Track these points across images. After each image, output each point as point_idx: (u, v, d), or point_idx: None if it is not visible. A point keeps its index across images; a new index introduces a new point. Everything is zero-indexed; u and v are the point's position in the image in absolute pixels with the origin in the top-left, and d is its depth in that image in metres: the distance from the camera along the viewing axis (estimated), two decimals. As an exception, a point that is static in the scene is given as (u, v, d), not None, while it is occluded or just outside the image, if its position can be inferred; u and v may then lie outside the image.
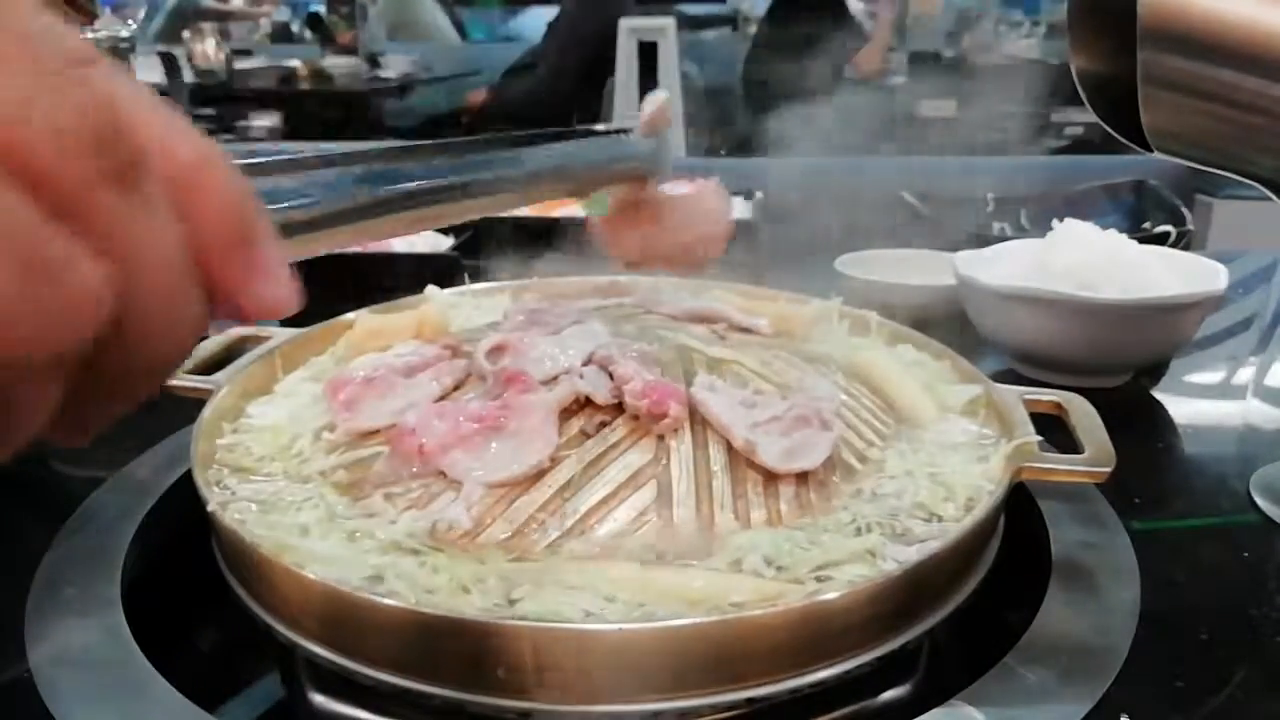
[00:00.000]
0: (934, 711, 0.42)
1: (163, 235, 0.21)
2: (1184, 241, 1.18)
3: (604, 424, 0.51)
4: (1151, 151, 0.56)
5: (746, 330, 0.65)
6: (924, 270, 1.05)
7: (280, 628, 0.45)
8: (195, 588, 0.52)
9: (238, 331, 0.69)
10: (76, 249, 0.19)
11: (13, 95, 0.18)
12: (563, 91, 2.81)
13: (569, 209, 1.32)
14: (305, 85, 3.90)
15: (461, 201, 0.40)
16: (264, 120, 3.26)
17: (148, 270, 0.21)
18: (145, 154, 0.20)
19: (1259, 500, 0.64)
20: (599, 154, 0.52)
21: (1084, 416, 0.58)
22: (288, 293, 0.25)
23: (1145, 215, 1.30)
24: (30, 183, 0.18)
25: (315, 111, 3.75)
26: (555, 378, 0.53)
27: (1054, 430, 0.58)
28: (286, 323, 0.72)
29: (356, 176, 0.34)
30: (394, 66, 4.24)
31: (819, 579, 0.44)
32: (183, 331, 0.23)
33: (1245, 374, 0.91)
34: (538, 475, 0.48)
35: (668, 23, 2.29)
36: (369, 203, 0.35)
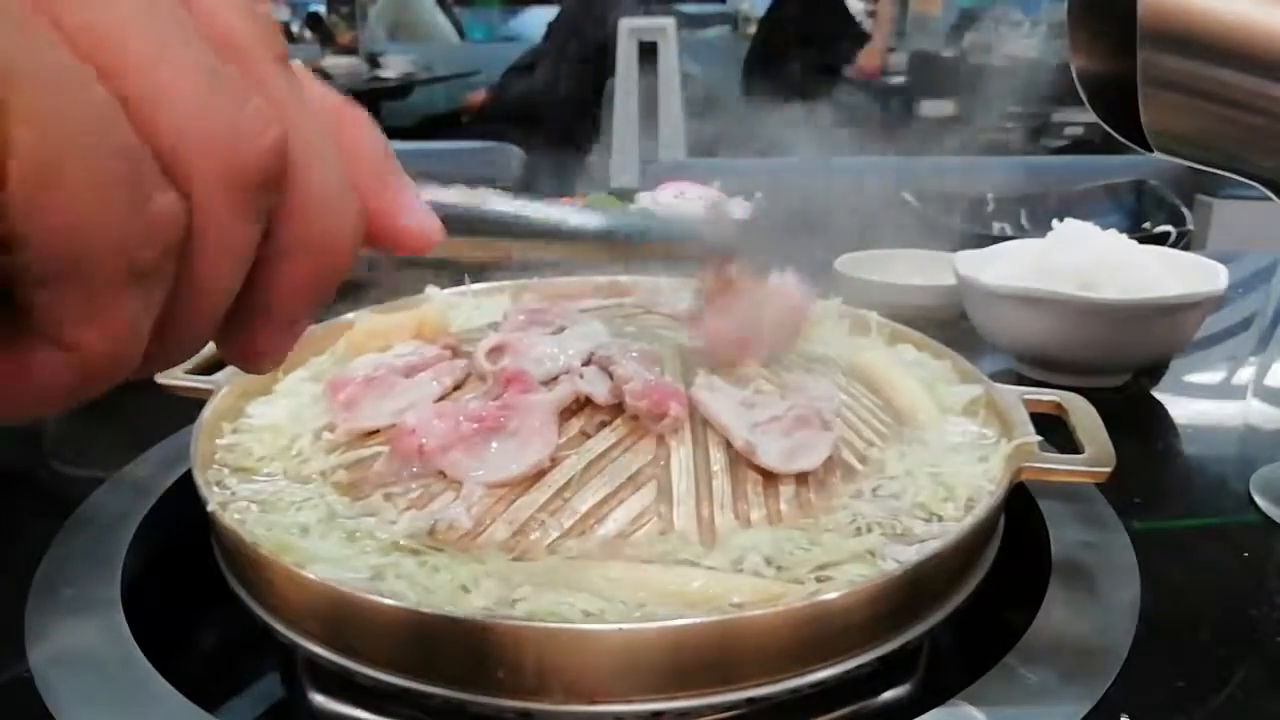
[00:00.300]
0: (934, 711, 0.42)
1: (323, 127, 0.22)
2: (1184, 241, 1.18)
3: (604, 424, 0.51)
4: (1151, 151, 0.56)
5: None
6: (924, 270, 1.05)
7: (280, 628, 0.45)
8: (195, 588, 0.52)
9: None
10: (158, 177, 0.19)
11: None
12: (562, 91, 2.81)
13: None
14: (305, 85, 3.90)
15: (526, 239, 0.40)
16: (264, 120, 3.26)
17: (310, 153, 0.22)
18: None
19: (1259, 500, 0.64)
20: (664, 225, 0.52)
21: (1084, 416, 0.58)
22: (435, 222, 0.26)
23: (1145, 215, 1.30)
24: (218, 41, 0.20)
25: (315, 112, 3.74)
26: (555, 378, 0.53)
27: (1054, 430, 0.58)
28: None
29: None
30: (394, 66, 4.24)
31: (819, 579, 0.44)
32: (346, 232, 0.23)
33: (1245, 374, 0.91)
34: (538, 475, 0.48)
35: (668, 23, 2.29)
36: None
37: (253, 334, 0.23)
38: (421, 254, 0.26)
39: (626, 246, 0.47)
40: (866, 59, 2.88)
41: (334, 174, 0.22)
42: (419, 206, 0.26)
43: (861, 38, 2.80)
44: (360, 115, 0.25)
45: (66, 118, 0.17)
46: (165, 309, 0.20)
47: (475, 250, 0.35)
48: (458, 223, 0.33)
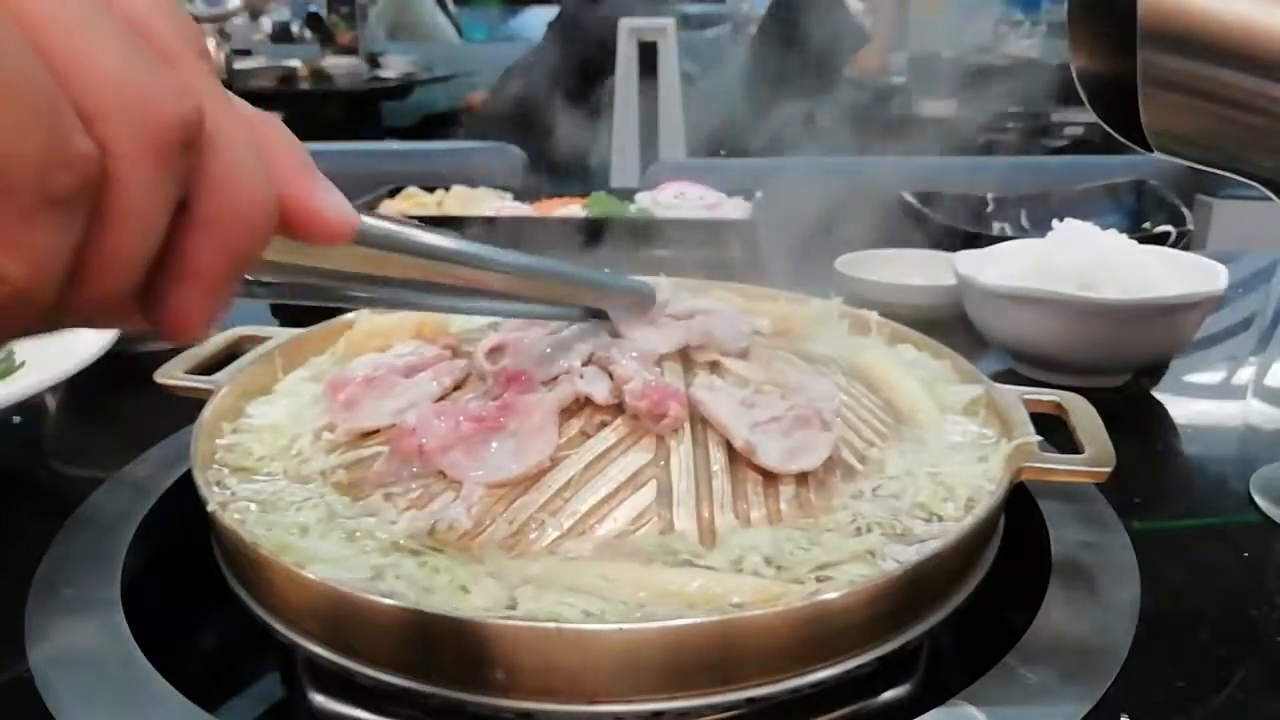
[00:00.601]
0: (934, 711, 0.42)
1: (241, 116, 0.24)
2: (1184, 241, 1.17)
3: (604, 424, 0.51)
4: (1151, 151, 0.56)
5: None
6: (924, 270, 1.05)
7: (280, 628, 0.45)
8: (195, 588, 0.52)
9: (237, 332, 0.69)
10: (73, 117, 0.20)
11: None
12: (562, 91, 2.80)
13: (569, 209, 1.32)
14: (305, 85, 3.91)
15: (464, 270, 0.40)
16: (264, 120, 3.25)
17: (226, 132, 0.23)
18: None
19: (1259, 500, 0.64)
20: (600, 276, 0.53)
21: (1084, 416, 0.58)
22: (351, 214, 0.27)
23: (1145, 215, 1.30)
24: (140, 33, 0.22)
25: (315, 111, 3.75)
26: (555, 378, 0.53)
27: (1054, 430, 0.58)
28: (287, 323, 0.72)
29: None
30: (394, 66, 4.24)
31: (819, 579, 0.44)
32: (259, 213, 0.24)
33: (1245, 374, 0.91)
34: (538, 475, 0.48)
35: (668, 23, 2.29)
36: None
37: (169, 300, 0.24)
38: (335, 242, 0.27)
39: (548, 284, 0.47)
40: (867, 58, 2.87)
41: (250, 154, 0.24)
42: (335, 198, 0.27)
43: (861, 36, 2.80)
44: (277, 119, 0.27)
45: None
46: (82, 255, 0.21)
47: (396, 269, 0.35)
48: (381, 238, 0.33)
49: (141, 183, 0.22)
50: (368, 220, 0.31)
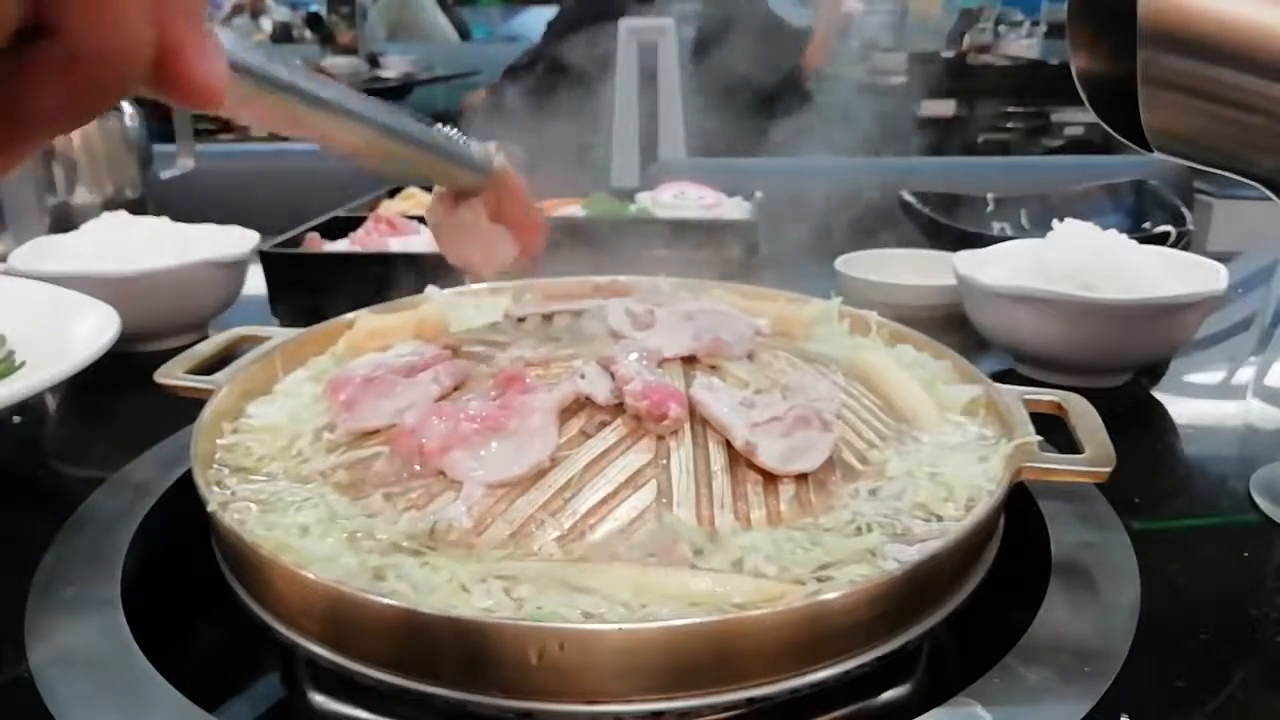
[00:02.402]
0: (934, 711, 0.42)
1: None
2: (1184, 241, 1.17)
3: (604, 424, 0.51)
4: (1151, 151, 0.56)
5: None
6: (924, 270, 1.05)
7: (280, 628, 0.45)
8: (195, 588, 0.52)
9: (237, 332, 0.69)
10: None
11: None
12: (562, 91, 2.80)
13: (569, 209, 1.32)
14: (305, 85, 3.89)
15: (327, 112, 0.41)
16: (264, 120, 3.25)
17: None
18: None
19: (1259, 500, 0.64)
20: (443, 140, 0.53)
21: (1084, 416, 0.58)
22: (220, 73, 0.25)
23: (1145, 215, 1.30)
24: None
25: (315, 111, 3.73)
26: (555, 378, 0.53)
27: (1054, 430, 0.58)
28: (286, 323, 0.72)
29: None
30: (394, 66, 4.24)
31: (820, 579, 0.44)
32: (126, 53, 0.22)
33: (1245, 374, 0.91)
34: (538, 475, 0.48)
35: (668, 23, 2.29)
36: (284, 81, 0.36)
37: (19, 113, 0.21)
38: (202, 108, 0.26)
39: (403, 144, 0.48)
40: (813, 53, 2.81)
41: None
42: (215, 58, 0.25)
43: (799, 35, 2.74)
44: None
45: None
46: None
47: (265, 111, 0.36)
48: (249, 76, 0.33)
49: None
50: (239, 68, 0.31)
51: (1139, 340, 0.81)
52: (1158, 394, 0.85)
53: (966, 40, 4.04)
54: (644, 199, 1.35)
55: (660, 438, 0.50)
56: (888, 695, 0.50)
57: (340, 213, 1.28)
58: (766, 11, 2.49)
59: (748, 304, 0.71)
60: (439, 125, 0.52)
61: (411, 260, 1.05)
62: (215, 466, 0.54)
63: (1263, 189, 0.57)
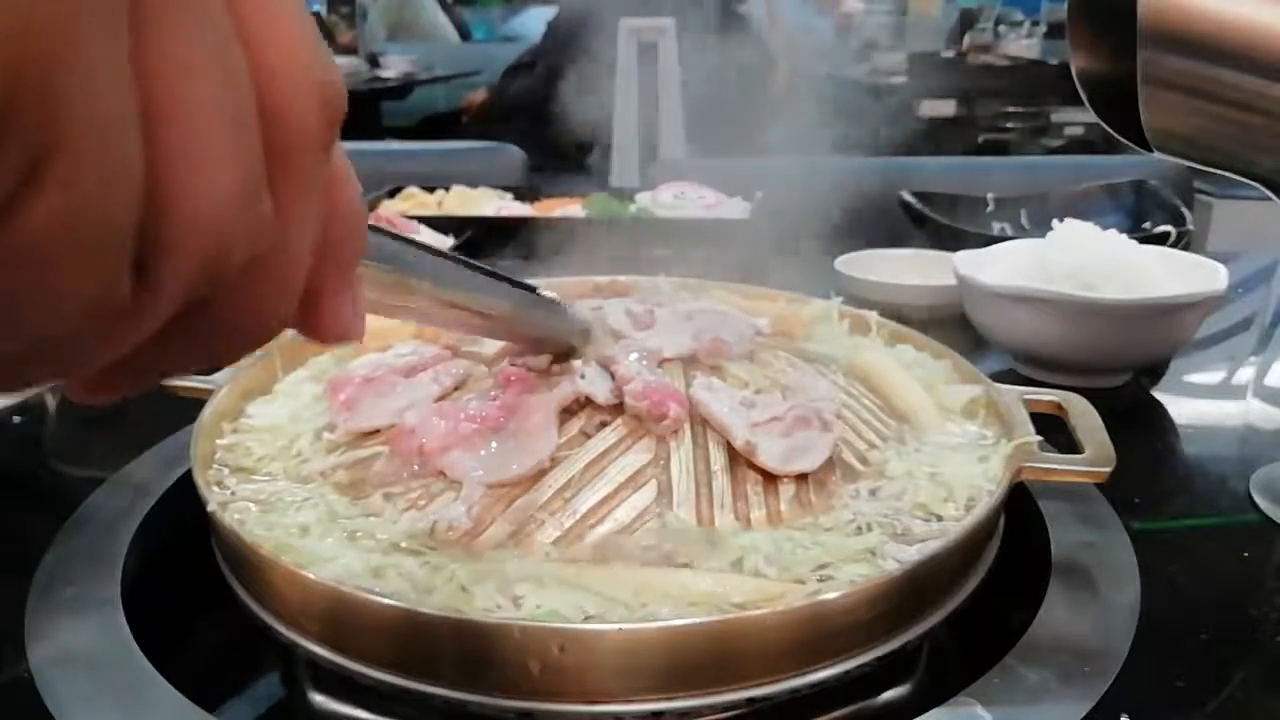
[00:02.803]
0: (934, 711, 0.42)
1: (317, 210, 0.21)
2: (1184, 241, 1.17)
3: (604, 424, 0.51)
4: (1151, 151, 0.56)
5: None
6: (924, 270, 1.05)
7: (280, 628, 0.45)
8: (195, 588, 0.52)
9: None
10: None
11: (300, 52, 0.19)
12: (562, 91, 2.80)
13: (569, 209, 1.32)
14: (305, 85, 3.89)
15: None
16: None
17: (293, 229, 0.20)
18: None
19: (1259, 500, 0.64)
20: (544, 313, 0.51)
21: (1084, 416, 0.58)
22: (359, 325, 0.24)
23: (1145, 215, 1.30)
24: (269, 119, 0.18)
25: (315, 111, 3.73)
26: (556, 378, 0.53)
27: (1054, 430, 0.58)
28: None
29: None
30: (394, 66, 4.24)
31: (820, 579, 0.44)
32: (285, 313, 0.21)
33: (1245, 374, 0.91)
34: (538, 475, 0.48)
35: (668, 23, 2.29)
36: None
37: (106, 380, 0.20)
38: (329, 346, 0.25)
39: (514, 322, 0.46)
40: (773, 84, 2.61)
41: (304, 258, 0.21)
42: (356, 306, 0.24)
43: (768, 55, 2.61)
44: (353, 179, 0.23)
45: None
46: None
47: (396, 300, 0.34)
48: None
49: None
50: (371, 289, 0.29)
51: (1139, 340, 0.81)
52: (1158, 394, 0.85)
53: (966, 40, 4.04)
54: (644, 199, 1.35)
55: (660, 438, 0.50)
56: (888, 695, 0.50)
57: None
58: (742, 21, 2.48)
59: (748, 304, 0.71)
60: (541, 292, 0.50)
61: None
62: (215, 466, 0.54)
63: (1263, 189, 0.57)
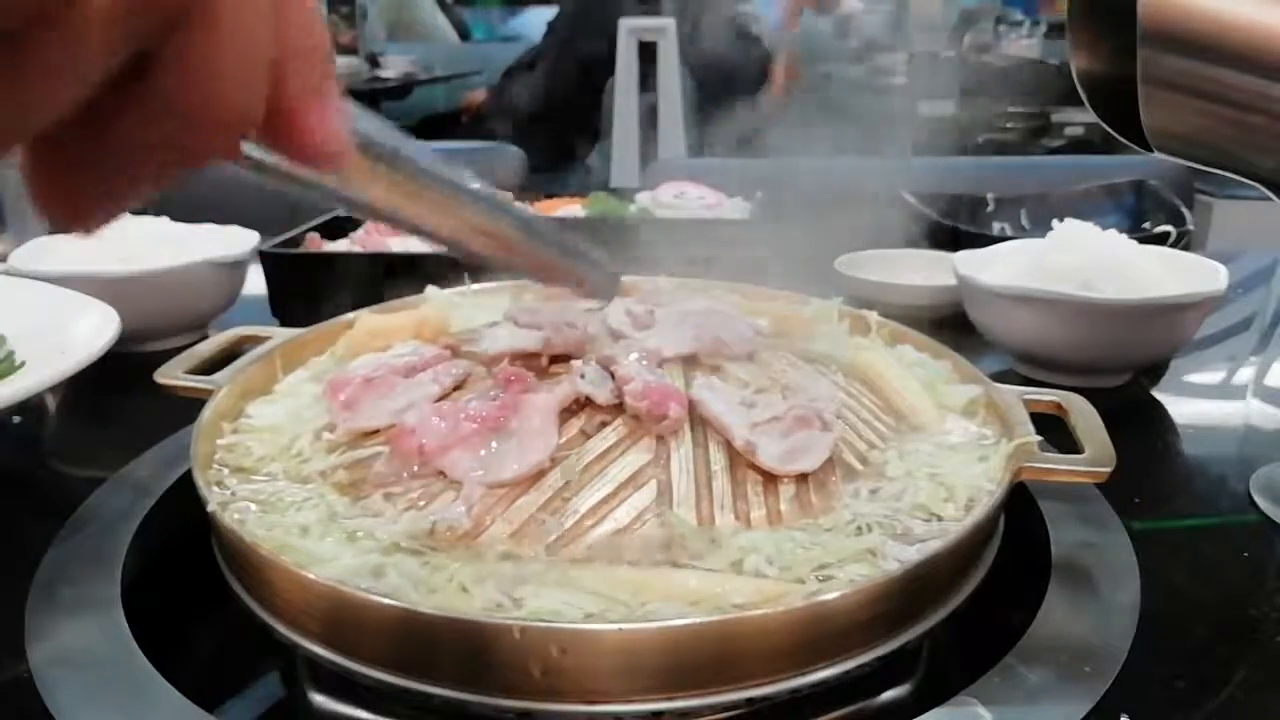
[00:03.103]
0: (934, 711, 0.42)
1: None
2: (1184, 241, 1.17)
3: (604, 424, 0.51)
4: (1151, 151, 0.56)
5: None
6: (924, 270, 1.05)
7: (280, 628, 0.45)
8: (195, 588, 0.52)
9: (238, 332, 0.69)
10: None
11: None
12: (562, 91, 2.80)
13: (569, 209, 1.32)
14: (305, 85, 3.89)
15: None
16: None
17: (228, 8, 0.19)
18: None
19: (1259, 500, 0.64)
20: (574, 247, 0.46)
21: (1084, 416, 0.58)
22: (341, 136, 0.23)
23: (1145, 215, 1.30)
24: None
25: (315, 111, 3.74)
26: (556, 378, 0.53)
27: (1054, 430, 0.58)
28: (286, 323, 0.72)
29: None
30: (394, 66, 4.24)
31: (820, 579, 0.44)
32: (226, 122, 0.20)
33: (1245, 374, 0.91)
34: (538, 475, 0.48)
35: (668, 23, 2.29)
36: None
37: (73, 175, 0.20)
38: (320, 169, 0.24)
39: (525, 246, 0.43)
40: (774, 88, 2.59)
41: (257, 34, 0.20)
42: (336, 120, 0.23)
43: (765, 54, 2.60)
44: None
45: None
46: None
47: (382, 190, 0.31)
48: (373, 151, 0.29)
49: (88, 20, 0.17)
50: (362, 137, 0.27)
51: (1139, 340, 0.81)
52: (1158, 394, 0.85)
53: (966, 40, 4.04)
54: (644, 199, 1.35)
55: (660, 438, 0.50)
56: (888, 695, 0.50)
57: (340, 212, 1.28)
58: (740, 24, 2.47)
59: (748, 304, 0.71)
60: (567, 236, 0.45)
61: (411, 260, 1.05)
62: (215, 466, 0.54)
63: (1263, 189, 0.57)
